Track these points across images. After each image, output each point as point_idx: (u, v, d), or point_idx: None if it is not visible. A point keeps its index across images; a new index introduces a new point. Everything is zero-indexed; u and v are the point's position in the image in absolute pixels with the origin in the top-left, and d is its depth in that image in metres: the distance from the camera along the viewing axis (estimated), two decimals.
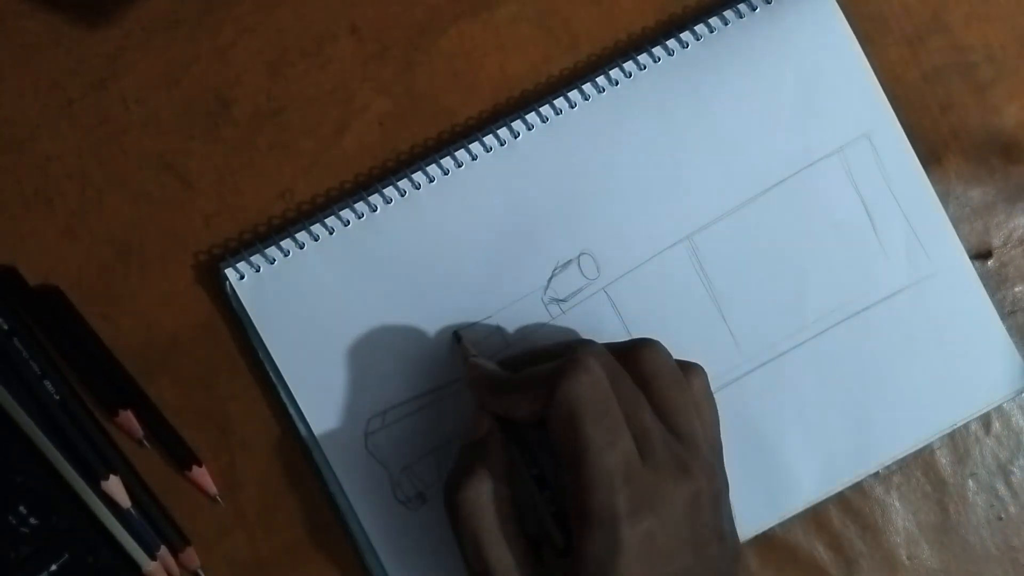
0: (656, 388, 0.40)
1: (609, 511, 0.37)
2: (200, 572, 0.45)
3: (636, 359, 0.40)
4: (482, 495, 0.39)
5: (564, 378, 0.38)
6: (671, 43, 0.46)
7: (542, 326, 0.46)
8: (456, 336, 0.45)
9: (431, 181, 0.45)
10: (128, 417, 0.44)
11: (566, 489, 0.38)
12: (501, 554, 0.39)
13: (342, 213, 0.45)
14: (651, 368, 0.40)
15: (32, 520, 0.42)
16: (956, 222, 0.48)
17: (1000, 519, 0.48)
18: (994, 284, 0.48)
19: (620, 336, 0.46)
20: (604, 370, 0.39)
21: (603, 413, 0.38)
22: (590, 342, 0.41)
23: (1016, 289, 0.49)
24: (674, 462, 0.39)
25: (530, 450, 0.41)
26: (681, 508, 0.38)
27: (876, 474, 0.47)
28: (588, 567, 0.37)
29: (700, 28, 0.47)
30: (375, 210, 0.45)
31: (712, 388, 0.42)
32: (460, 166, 0.45)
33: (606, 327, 0.46)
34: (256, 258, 0.44)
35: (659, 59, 0.46)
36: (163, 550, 0.44)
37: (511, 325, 0.45)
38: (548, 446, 0.39)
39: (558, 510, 0.40)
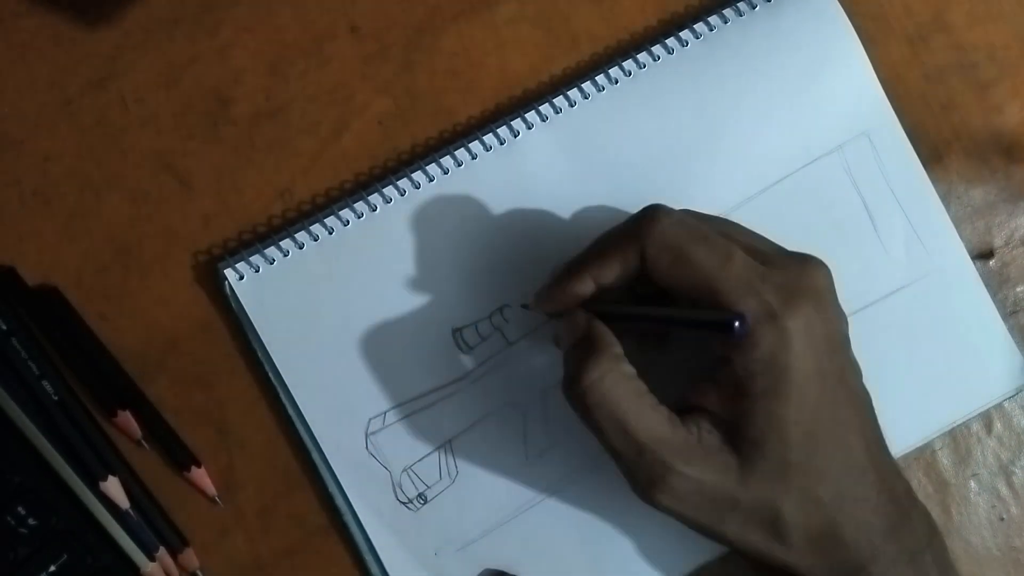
0: (716, 225, 0.40)
1: (764, 309, 0.36)
2: (199, 573, 0.44)
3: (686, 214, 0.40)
4: (606, 376, 0.37)
5: (650, 225, 0.38)
6: (671, 41, 0.46)
7: (543, 326, 0.45)
8: (524, 306, 0.44)
9: (431, 180, 0.45)
10: (127, 418, 0.44)
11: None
12: (649, 426, 0.37)
13: (342, 213, 0.45)
14: (702, 216, 0.40)
15: (31, 521, 0.42)
16: (958, 222, 0.48)
17: (1002, 520, 0.48)
18: (996, 284, 0.48)
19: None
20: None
21: (704, 236, 0.37)
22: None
23: (1018, 289, 0.49)
24: (792, 256, 0.39)
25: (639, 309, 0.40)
26: (825, 293, 0.38)
27: None
28: (762, 373, 0.37)
29: (700, 26, 0.46)
30: (375, 210, 0.45)
31: None
32: (460, 165, 0.45)
33: None
34: (255, 258, 0.44)
35: (659, 57, 0.46)
36: (162, 551, 0.44)
37: (512, 325, 0.45)
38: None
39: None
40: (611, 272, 0.39)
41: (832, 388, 0.38)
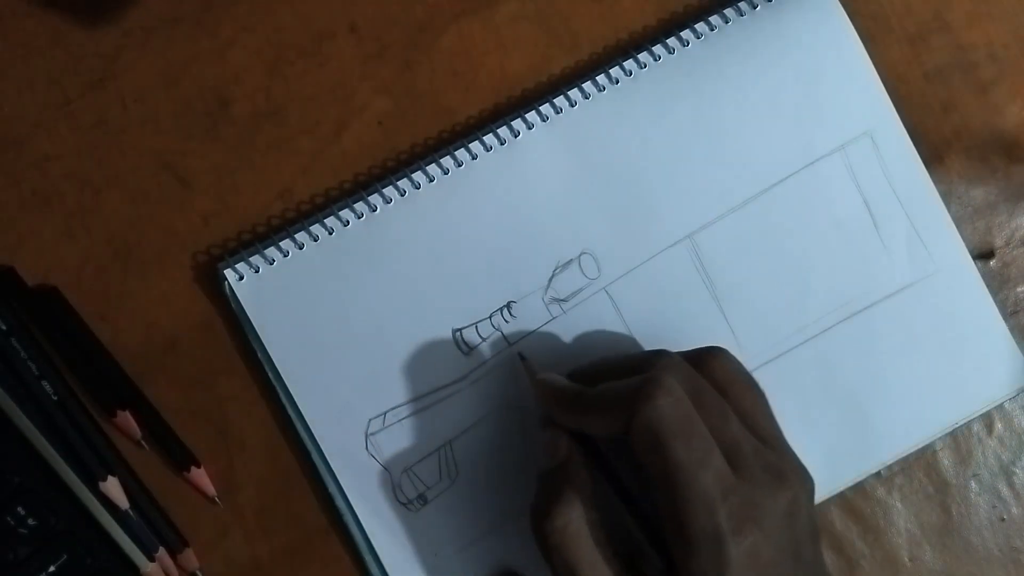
0: (734, 395, 0.40)
1: (713, 530, 0.37)
2: (199, 573, 0.44)
3: (709, 368, 0.40)
4: (570, 523, 0.39)
5: (644, 401, 0.37)
6: (672, 41, 0.46)
7: (544, 326, 0.45)
8: (521, 356, 0.45)
9: (431, 181, 0.45)
10: (126, 418, 0.44)
11: (660, 510, 0.38)
12: None
13: (342, 213, 0.45)
14: (725, 376, 0.40)
15: (30, 521, 0.42)
16: (958, 222, 0.48)
17: (1003, 520, 0.48)
18: (996, 284, 0.48)
19: (622, 335, 0.46)
20: (684, 385, 0.38)
21: (690, 433, 0.37)
22: (666, 354, 0.40)
23: (1019, 289, 0.49)
24: (768, 471, 0.39)
25: (611, 465, 0.41)
26: (781, 518, 0.38)
27: (878, 475, 0.47)
28: None
29: (701, 26, 0.46)
30: (375, 210, 0.45)
31: None
32: (460, 165, 0.45)
33: (607, 327, 0.46)
34: (255, 259, 0.44)
35: (660, 57, 0.46)
36: (161, 551, 0.44)
37: (512, 325, 0.45)
38: (628, 460, 0.39)
39: (652, 528, 0.39)
40: (598, 428, 0.40)
41: None
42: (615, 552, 0.39)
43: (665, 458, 0.37)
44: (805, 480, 0.40)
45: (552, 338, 0.46)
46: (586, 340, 0.46)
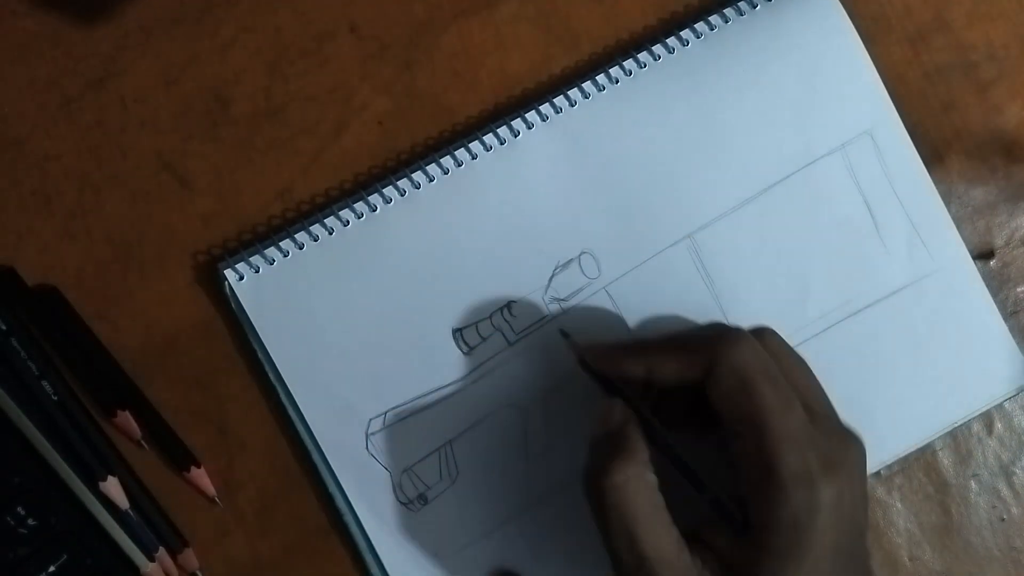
0: (786, 368, 0.40)
1: (805, 470, 0.36)
2: (199, 573, 0.44)
3: (763, 343, 0.40)
4: (630, 481, 0.37)
5: (729, 345, 0.38)
6: (672, 41, 0.46)
7: (543, 326, 0.45)
8: (563, 333, 0.44)
9: (431, 180, 0.45)
10: (126, 418, 0.44)
11: (742, 458, 0.37)
12: (657, 543, 0.37)
13: (342, 213, 0.45)
14: (778, 350, 0.41)
15: (30, 521, 0.42)
16: (958, 222, 0.48)
17: (1002, 520, 0.48)
18: (996, 284, 0.48)
19: (623, 334, 0.46)
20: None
21: (774, 377, 0.38)
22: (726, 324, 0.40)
23: (1018, 289, 0.49)
24: (838, 429, 0.39)
25: (664, 435, 0.40)
26: (856, 470, 0.38)
27: (878, 475, 0.47)
28: (782, 532, 0.36)
29: (701, 26, 0.46)
30: (375, 210, 0.45)
31: None
32: (460, 165, 0.45)
33: (607, 326, 0.46)
34: (255, 259, 0.44)
35: (660, 57, 0.46)
36: (161, 551, 0.44)
37: (512, 325, 0.45)
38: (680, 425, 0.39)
39: (716, 495, 0.38)
40: (670, 370, 0.39)
41: (845, 569, 0.37)
42: (673, 520, 0.38)
43: (752, 399, 0.37)
44: (862, 445, 0.40)
45: (554, 337, 0.46)
46: (586, 341, 0.46)
